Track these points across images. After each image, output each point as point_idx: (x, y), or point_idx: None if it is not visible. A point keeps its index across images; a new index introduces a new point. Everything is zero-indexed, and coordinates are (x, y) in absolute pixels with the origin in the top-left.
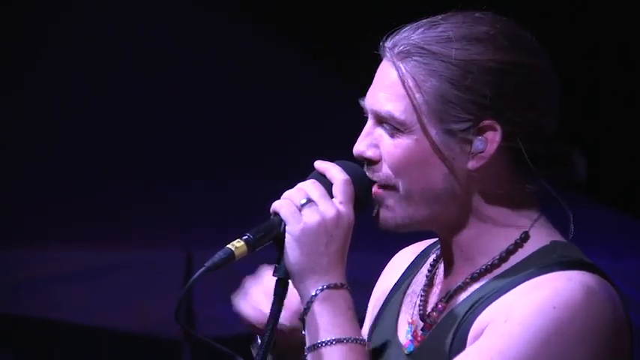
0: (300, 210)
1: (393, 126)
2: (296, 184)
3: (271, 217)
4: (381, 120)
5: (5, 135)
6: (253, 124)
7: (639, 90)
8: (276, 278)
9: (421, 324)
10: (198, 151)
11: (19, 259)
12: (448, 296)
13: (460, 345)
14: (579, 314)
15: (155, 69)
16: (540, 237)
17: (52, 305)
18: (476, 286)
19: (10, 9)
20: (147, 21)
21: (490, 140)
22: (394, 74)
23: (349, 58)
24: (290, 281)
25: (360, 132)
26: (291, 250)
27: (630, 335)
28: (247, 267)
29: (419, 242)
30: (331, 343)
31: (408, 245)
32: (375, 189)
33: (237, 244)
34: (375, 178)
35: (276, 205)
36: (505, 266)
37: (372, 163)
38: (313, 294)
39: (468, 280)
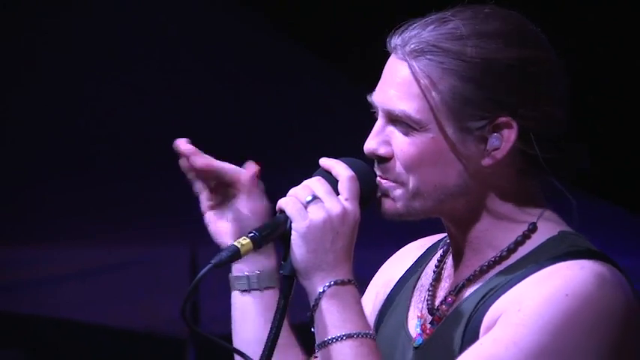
0: (305, 207)
1: (408, 124)
2: (301, 181)
3: (277, 214)
4: (393, 118)
5: (6, 135)
6: (256, 119)
7: None
8: (282, 276)
9: (430, 317)
10: (201, 147)
11: (24, 257)
12: (457, 289)
13: (472, 336)
14: (592, 302)
15: (155, 67)
16: (548, 228)
17: (55, 304)
18: (485, 278)
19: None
20: (144, 15)
21: (506, 137)
22: (406, 72)
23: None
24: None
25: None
26: (297, 248)
27: None
28: None
29: (427, 237)
30: (342, 338)
31: (411, 241)
32: (380, 180)
33: (243, 242)
34: (385, 176)
35: (282, 203)
36: (514, 257)
37: (384, 160)
38: (321, 290)
39: (477, 272)
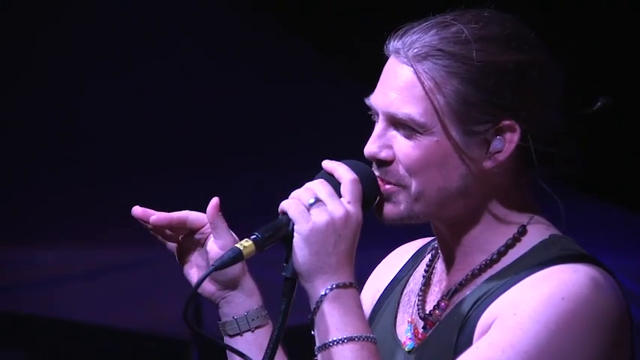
0: (308, 210)
1: (412, 128)
2: (302, 182)
3: (279, 216)
4: (395, 122)
5: (6, 135)
6: (257, 119)
7: None
8: (284, 278)
9: (421, 322)
10: (202, 147)
11: (26, 258)
12: (450, 294)
13: (467, 341)
14: (588, 305)
15: (155, 67)
16: (539, 231)
17: (58, 304)
18: (478, 282)
19: (11, 9)
20: (144, 15)
21: (508, 140)
22: (410, 75)
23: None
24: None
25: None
26: (300, 250)
27: (632, 324)
28: (255, 266)
29: (413, 241)
30: (343, 341)
31: (409, 241)
32: (382, 184)
33: (245, 244)
34: (386, 179)
35: (285, 205)
36: (505, 261)
37: (385, 164)
38: (322, 293)
39: (468, 276)
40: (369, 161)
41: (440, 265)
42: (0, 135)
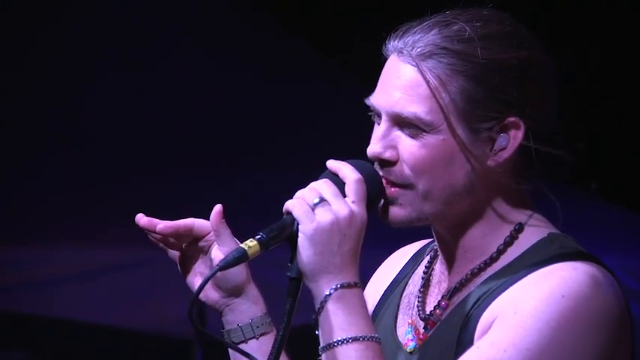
0: (313, 209)
1: (417, 127)
2: (305, 182)
3: (284, 216)
4: (400, 121)
5: (6, 135)
6: (258, 119)
7: None
8: (289, 278)
9: (422, 323)
10: (202, 147)
11: (31, 257)
12: (450, 293)
13: (468, 340)
14: (588, 302)
15: (155, 67)
16: (538, 230)
17: (60, 304)
18: (478, 281)
19: (11, 9)
20: (144, 15)
21: (513, 137)
22: (414, 74)
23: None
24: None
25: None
26: (304, 250)
27: (631, 321)
28: (258, 267)
29: (412, 244)
30: (347, 341)
31: (410, 242)
32: (387, 187)
33: (250, 244)
34: (390, 179)
35: (289, 205)
36: (505, 259)
37: (389, 164)
38: (327, 293)
39: (468, 276)
40: (372, 161)
41: (439, 266)
42: (0, 135)
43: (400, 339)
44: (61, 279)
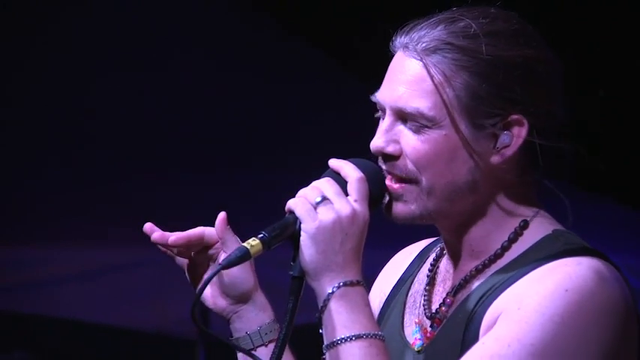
0: (315, 208)
1: (420, 122)
2: (307, 181)
3: (286, 215)
4: (403, 116)
5: (6, 135)
6: (258, 119)
7: None
8: (291, 276)
9: (428, 322)
10: (203, 147)
11: (34, 257)
12: (455, 290)
13: (473, 336)
14: (592, 296)
15: (155, 67)
16: (543, 226)
17: (63, 304)
18: (482, 277)
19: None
20: (144, 15)
21: (516, 135)
22: (418, 69)
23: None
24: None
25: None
26: (307, 249)
27: (638, 317)
28: (260, 266)
29: (416, 243)
30: (350, 339)
31: (414, 242)
32: (391, 183)
33: (252, 243)
34: (394, 173)
35: (291, 204)
36: (509, 256)
37: (392, 158)
38: (330, 292)
39: (473, 272)
40: (375, 159)
41: (444, 264)
42: (0, 135)
43: (408, 338)
44: (61, 279)
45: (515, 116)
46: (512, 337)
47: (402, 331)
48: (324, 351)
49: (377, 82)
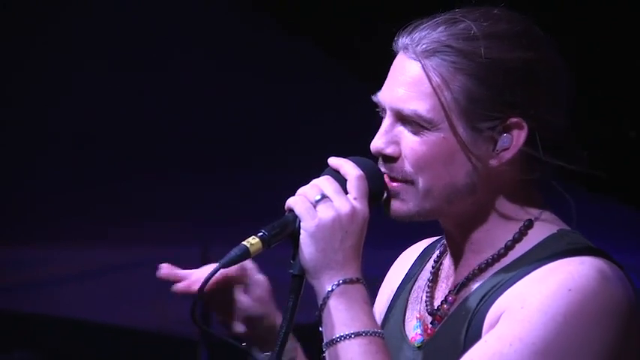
0: (314, 206)
1: (418, 124)
2: (308, 180)
3: (286, 213)
4: (402, 117)
5: (6, 135)
6: (258, 119)
7: None
8: (291, 275)
9: (430, 318)
10: (203, 147)
11: (34, 257)
12: (457, 288)
13: (475, 334)
14: (595, 296)
15: (155, 67)
16: (547, 226)
17: (67, 304)
18: (485, 276)
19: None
20: (144, 15)
21: (515, 137)
22: (417, 71)
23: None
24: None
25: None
26: (306, 247)
27: None
28: (261, 264)
29: (423, 240)
30: (350, 337)
31: (416, 242)
32: (389, 182)
33: (252, 241)
34: (393, 175)
35: (291, 202)
36: (513, 255)
37: (391, 160)
38: (329, 289)
39: (476, 271)
40: (375, 157)
41: (447, 262)
42: (0, 135)
43: (408, 333)
44: (61, 279)
45: (514, 119)
46: (514, 336)
47: (403, 326)
48: (324, 349)
49: (377, 82)
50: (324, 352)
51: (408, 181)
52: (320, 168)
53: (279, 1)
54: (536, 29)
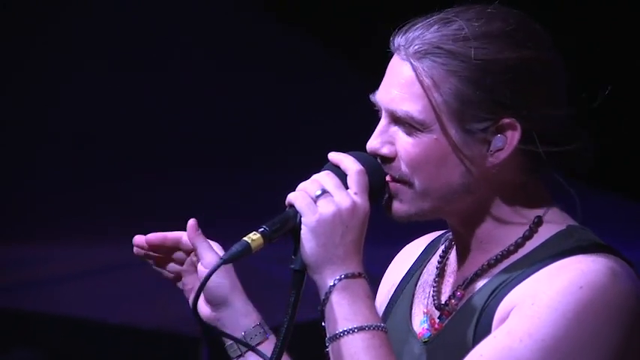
0: (315, 201)
1: (411, 125)
2: (308, 177)
3: (287, 209)
4: (396, 118)
5: (7, 135)
6: (261, 119)
7: None
8: (293, 270)
9: (437, 313)
10: (203, 147)
11: (35, 256)
12: (466, 283)
13: (485, 329)
14: (605, 294)
15: (156, 67)
16: (556, 222)
17: (68, 302)
18: (494, 272)
19: (11, 9)
20: (144, 15)
21: (509, 138)
22: (410, 73)
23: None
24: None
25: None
26: (307, 242)
27: None
28: (262, 261)
29: (427, 235)
30: (353, 331)
31: (416, 238)
32: (390, 182)
33: (253, 237)
34: (390, 174)
35: (291, 197)
36: (522, 251)
37: (387, 160)
38: (331, 284)
39: (484, 266)
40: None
41: (454, 256)
42: (0, 135)
43: (415, 328)
44: (62, 277)
45: (507, 120)
46: (523, 332)
47: (410, 321)
48: (327, 344)
49: (377, 82)
50: (327, 347)
51: (406, 182)
52: (320, 168)
53: (279, 1)
54: (531, 25)
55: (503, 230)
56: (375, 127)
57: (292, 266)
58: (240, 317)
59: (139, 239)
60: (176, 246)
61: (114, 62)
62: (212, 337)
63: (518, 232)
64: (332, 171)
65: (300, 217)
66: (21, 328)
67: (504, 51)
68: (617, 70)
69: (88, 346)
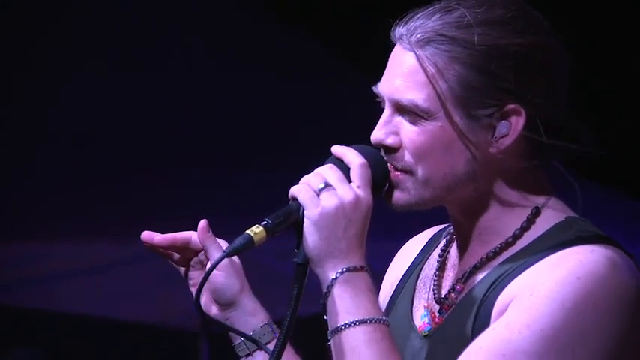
0: (318, 195)
1: (416, 113)
2: (313, 170)
3: (289, 202)
4: (400, 108)
5: (7, 135)
6: (261, 119)
7: None
8: (295, 263)
9: (437, 306)
10: (203, 147)
11: (36, 253)
12: (465, 277)
13: (484, 322)
14: (604, 284)
15: (156, 67)
16: (555, 213)
17: (69, 299)
18: (493, 264)
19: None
20: (144, 15)
21: (514, 124)
22: (413, 61)
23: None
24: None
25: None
26: (310, 235)
27: None
28: (265, 254)
29: (429, 229)
30: (354, 324)
31: (418, 233)
32: (393, 172)
33: (256, 230)
34: (393, 165)
35: (294, 190)
36: (521, 243)
37: (392, 151)
38: (333, 277)
39: (483, 259)
40: (377, 149)
41: (454, 250)
42: (0, 135)
43: (416, 322)
44: (63, 274)
45: (511, 106)
46: (522, 323)
47: (411, 315)
48: (329, 337)
49: (378, 82)
50: (329, 340)
51: (408, 171)
52: (323, 162)
53: (279, 1)
54: (532, 12)
55: (504, 220)
56: (375, 126)
57: (295, 259)
58: (249, 317)
59: (147, 236)
60: (185, 246)
61: (114, 62)
62: (213, 329)
63: (517, 222)
64: (335, 164)
65: (303, 210)
66: (21, 325)
67: (507, 37)
68: (618, 65)
69: (88, 343)
